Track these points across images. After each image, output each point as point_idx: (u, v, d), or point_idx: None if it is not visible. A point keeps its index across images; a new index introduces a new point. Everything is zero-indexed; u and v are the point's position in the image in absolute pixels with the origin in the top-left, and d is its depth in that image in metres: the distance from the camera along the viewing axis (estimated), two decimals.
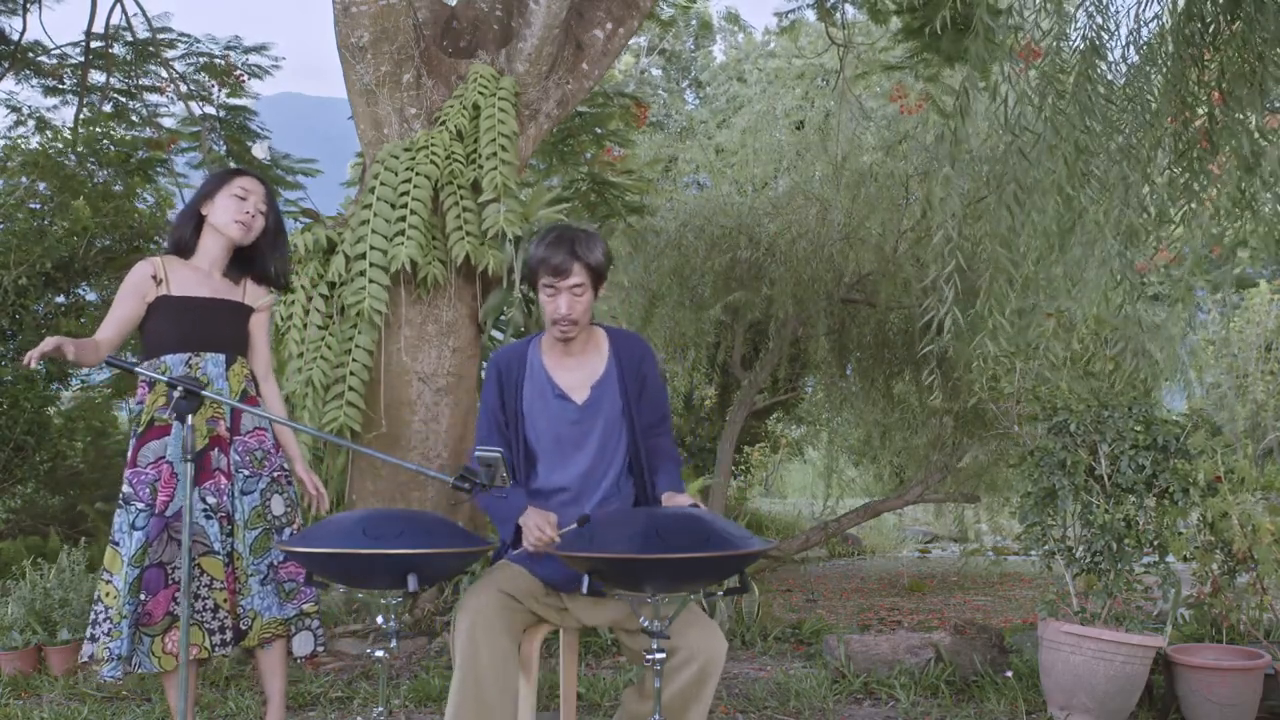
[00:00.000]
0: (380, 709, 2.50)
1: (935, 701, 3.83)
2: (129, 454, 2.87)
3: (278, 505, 2.96)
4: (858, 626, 5.46)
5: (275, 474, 2.97)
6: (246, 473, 2.91)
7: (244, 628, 2.88)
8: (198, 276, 2.95)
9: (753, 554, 2.21)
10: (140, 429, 2.86)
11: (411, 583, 2.26)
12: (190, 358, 2.87)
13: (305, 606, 2.96)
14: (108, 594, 2.83)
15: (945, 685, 3.90)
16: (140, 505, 2.80)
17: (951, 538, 11.73)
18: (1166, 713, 3.59)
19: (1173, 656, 3.52)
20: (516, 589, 2.54)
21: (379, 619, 2.42)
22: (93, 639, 2.83)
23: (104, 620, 2.82)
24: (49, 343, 2.53)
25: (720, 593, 2.44)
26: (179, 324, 2.88)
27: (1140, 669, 3.43)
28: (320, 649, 2.99)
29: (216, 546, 2.82)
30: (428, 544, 2.30)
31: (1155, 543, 3.62)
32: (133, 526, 2.81)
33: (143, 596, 2.75)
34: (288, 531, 2.96)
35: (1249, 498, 3.55)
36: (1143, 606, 3.70)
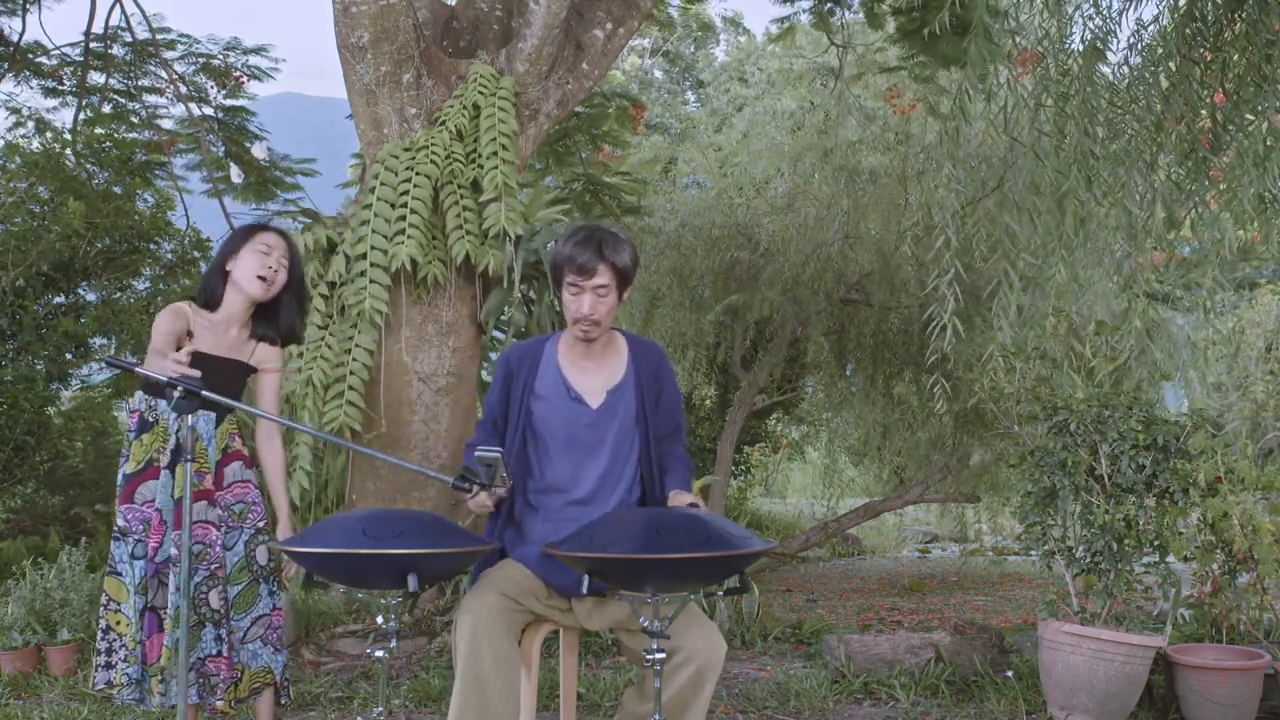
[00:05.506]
0: (380, 709, 2.49)
1: (935, 701, 3.83)
2: (122, 487, 2.88)
3: (262, 555, 2.97)
4: (858, 626, 5.46)
5: (260, 524, 2.99)
6: (227, 529, 2.93)
7: (236, 678, 2.91)
8: (214, 332, 2.95)
9: (753, 554, 2.21)
10: (140, 466, 2.85)
11: (411, 583, 2.25)
12: None
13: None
14: (119, 623, 2.86)
15: (945, 685, 3.90)
16: (137, 537, 2.83)
17: (951, 538, 11.74)
18: (1166, 713, 3.59)
19: (1173, 656, 3.52)
20: (518, 590, 2.53)
21: (379, 619, 2.41)
22: (109, 666, 2.86)
23: (119, 648, 2.85)
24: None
25: (720, 593, 2.43)
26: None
27: (1140, 669, 3.43)
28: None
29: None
30: (428, 544, 2.29)
31: (1155, 543, 3.62)
32: (133, 556, 2.84)
33: (140, 636, 2.79)
34: (274, 580, 2.99)
35: (1249, 498, 3.55)
36: (1143, 606, 3.69)
